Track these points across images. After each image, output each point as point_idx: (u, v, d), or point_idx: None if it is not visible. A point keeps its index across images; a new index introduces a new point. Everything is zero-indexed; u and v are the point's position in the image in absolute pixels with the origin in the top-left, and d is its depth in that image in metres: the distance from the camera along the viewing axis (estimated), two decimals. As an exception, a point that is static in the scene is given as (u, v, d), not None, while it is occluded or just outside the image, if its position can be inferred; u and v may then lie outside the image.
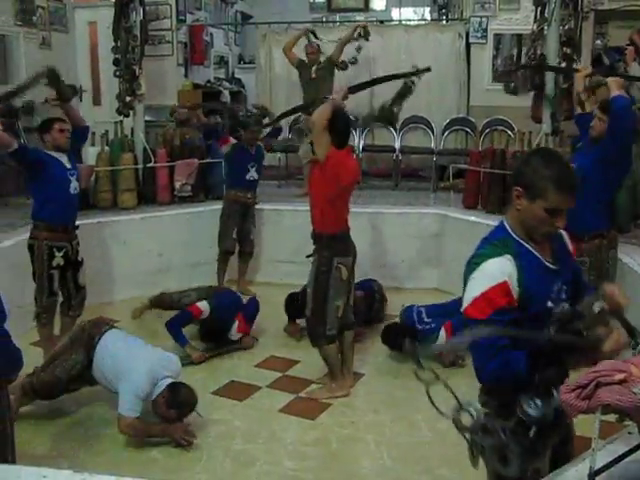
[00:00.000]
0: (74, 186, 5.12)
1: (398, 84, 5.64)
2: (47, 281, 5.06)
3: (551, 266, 2.32)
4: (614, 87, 4.38)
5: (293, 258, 6.32)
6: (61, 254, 5.06)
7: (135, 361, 4.19)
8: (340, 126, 4.67)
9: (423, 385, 2.17)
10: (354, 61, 8.61)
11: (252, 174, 6.70)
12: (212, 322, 5.50)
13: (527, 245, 2.30)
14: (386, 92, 6.18)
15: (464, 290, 2.26)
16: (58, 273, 5.09)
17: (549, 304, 2.28)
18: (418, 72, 5.52)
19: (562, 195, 2.26)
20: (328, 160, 4.56)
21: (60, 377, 4.29)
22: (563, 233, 2.45)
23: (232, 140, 6.74)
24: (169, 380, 4.21)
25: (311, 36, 8.33)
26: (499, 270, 2.21)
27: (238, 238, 6.81)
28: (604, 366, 1.97)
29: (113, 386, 4.21)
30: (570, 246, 2.51)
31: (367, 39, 8.35)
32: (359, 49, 8.45)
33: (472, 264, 2.28)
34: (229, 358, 5.49)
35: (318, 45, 8.17)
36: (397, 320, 5.62)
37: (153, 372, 4.17)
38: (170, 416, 4.19)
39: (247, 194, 6.74)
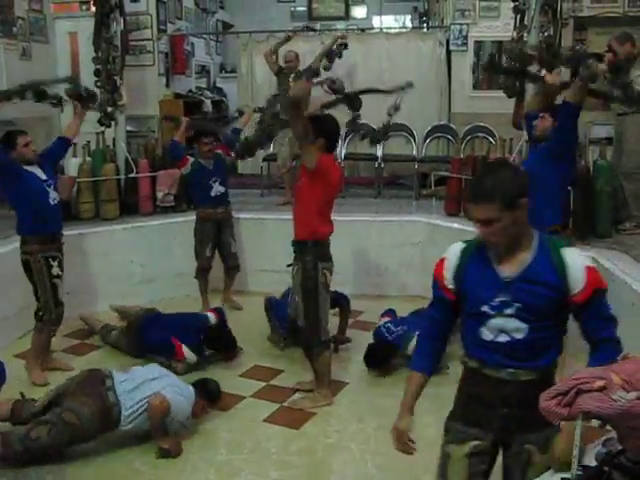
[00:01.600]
0: (53, 197, 5.11)
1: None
2: (51, 291, 5.05)
3: (502, 276, 2.37)
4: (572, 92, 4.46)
5: (276, 267, 6.33)
6: (56, 263, 5.06)
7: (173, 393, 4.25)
8: (329, 130, 4.68)
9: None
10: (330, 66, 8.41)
11: (217, 189, 6.54)
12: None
13: (486, 250, 2.42)
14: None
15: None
16: (60, 281, 5.09)
17: (484, 308, 2.37)
18: (399, 89, 5.54)
19: (468, 206, 2.44)
20: (319, 165, 4.53)
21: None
22: (577, 264, 2.38)
23: (190, 159, 6.59)
24: (192, 388, 4.44)
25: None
26: (450, 250, 2.57)
27: (220, 254, 6.70)
28: (584, 373, 1.98)
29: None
30: (581, 280, 2.35)
31: (346, 47, 8.33)
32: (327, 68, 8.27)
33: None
34: (213, 368, 5.46)
35: (297, 54, 8.17)
36: (371, 341, 5.56)
37: (189, 396, 4.36)
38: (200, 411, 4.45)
39: (217, 209, 6.59)
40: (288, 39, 8.54)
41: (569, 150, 4.71)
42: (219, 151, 6.70)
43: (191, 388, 4.42)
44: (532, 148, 5.14)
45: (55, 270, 5.05)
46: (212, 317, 5.68)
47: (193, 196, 6.94)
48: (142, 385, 4.21)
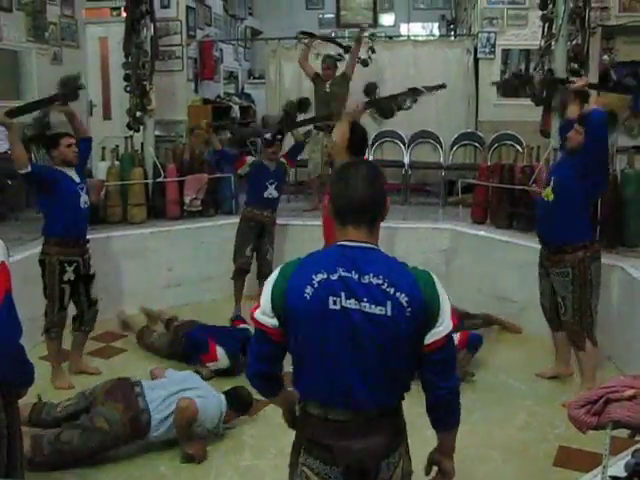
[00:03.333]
0: (84, 200, 5.15)
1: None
2: (58, 296, 5.07)
3: None
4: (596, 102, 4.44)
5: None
6: (72, 268, 5.07)
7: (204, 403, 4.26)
8: (357, 138, 4.71)
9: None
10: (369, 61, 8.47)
11: (271, 192, 6.52)
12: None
13: None
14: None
15: (442, 307, 2.12)
16: (69, 288, 5.11)
17: None
18: (434, 88, 5.57)
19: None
20: None
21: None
22: None
23: (248, 159, 6.64)
24: (222, 396, 4.47)
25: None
26: None
27: (256, 258, 6.61)
28: (613, 382, 1.97)
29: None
30: None
31: (373, 51, 8.35)
32: (373, 51, 8.35)
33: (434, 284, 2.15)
34: (234, 375, 5.47)
35: (335, 62, 8.19)
36: None
37: (220, 405, 4.39)
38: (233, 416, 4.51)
39: (264, 212, 6.56)
40: (312, 39, 8.51)
41: (601, 161, 4.63)
42: (283, 159, 6.73)
43: (222, 397, 4.42)
44: (563, 159, 5.08)
45: (68, 275, 5.06)
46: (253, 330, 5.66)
47: (246, 194, 6.84)
48: (175, 394, 4.23)
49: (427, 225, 7.28)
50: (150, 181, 7.52)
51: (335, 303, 2.05)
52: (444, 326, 2.10)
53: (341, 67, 8.18)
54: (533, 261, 6.17)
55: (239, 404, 4.50)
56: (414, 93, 5.76)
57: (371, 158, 8.82)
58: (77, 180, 5.13)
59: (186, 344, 5.48)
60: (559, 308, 4.89)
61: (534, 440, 4.40)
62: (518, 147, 8.23)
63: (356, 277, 2.06)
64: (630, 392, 1.89)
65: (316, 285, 2.07)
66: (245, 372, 2.36)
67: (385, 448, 2.14)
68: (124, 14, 7.79)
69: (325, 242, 4.89)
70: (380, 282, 2.05)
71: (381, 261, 2.13)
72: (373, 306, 2.04)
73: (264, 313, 2.15)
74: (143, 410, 4.13)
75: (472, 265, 6.80)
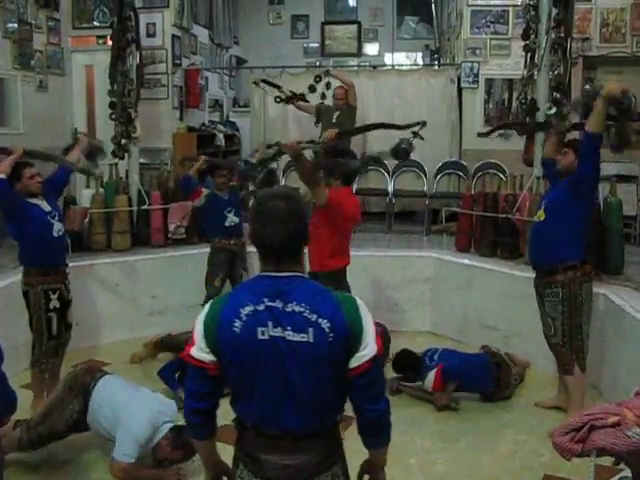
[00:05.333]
0: (57, 228, 5.03)
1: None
2: (46, 325, 5.02)
3: None
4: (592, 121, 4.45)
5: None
6: (56, 296, 5.03)
7: (134, 407, 4.12)
8: (341, 163, 4.75)
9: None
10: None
11: (231, 219, 6.56)
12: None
13: None
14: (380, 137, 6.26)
15: (365, 331, 2.14)
16: (56, 316, 5.06)
17: None
18: (413, 125, 5.58)
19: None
20: (330, 200, 4.66)
21: (59, 428, 4.21)
22: None
23: (204, 191, 6.61)
24: (169, 424, 4.16)
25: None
26: None
27: (232, 285, 6.60)
28: (597, 409, 1.97)
29: (109, 432, 4.13)
30: None
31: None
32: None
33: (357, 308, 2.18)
34: (222, 401, 5.42)
35: (346, 90, 8.26)
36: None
37: (154, 418, 4.12)
38: (176, 457, 4.16)
39: (231, 240, 6.60)
40: (272, 86, 8.73)
41: (591, 184, 4.68)
42: (234, 183, 6.74)
43: (169, 425, 4.19)
44: (553, 184, 5.14)
45: (53, 303, 5.01)
46: None
47: (207, 227, 6.94)
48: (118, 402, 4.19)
49: (411, 253, 7.30)
50: (134, 209, 7.50)
51: (263, 333, 2.10)
52: (368, 349, 2.12)
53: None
54: (517, 289, 6.21)
55: (181, 441, 4.08)
56: (390, 127, 5.77)
57: (355, 186, 8.85)
58: (47, 209, 4.99)
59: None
60: (548, 330, 4.85)
61: (520, 469, 4.39)
62: (502, 176, 8.28)
63: (280, 306, 2.11)
64: (614, 419, 1.89)
65: (244, 318, 2.11)
66: (183, 411, 2.35)
67: (315, 466, 2.18)
68: (110, 42, 7.82)
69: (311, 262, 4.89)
70: (302, 310, 2.09)
71: (304, 288, 2.16)
72: (295, 334, 2.08)
73: (200, 349, 2.18)
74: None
75: (456, 293, 6.82)
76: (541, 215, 4.84)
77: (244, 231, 6.68)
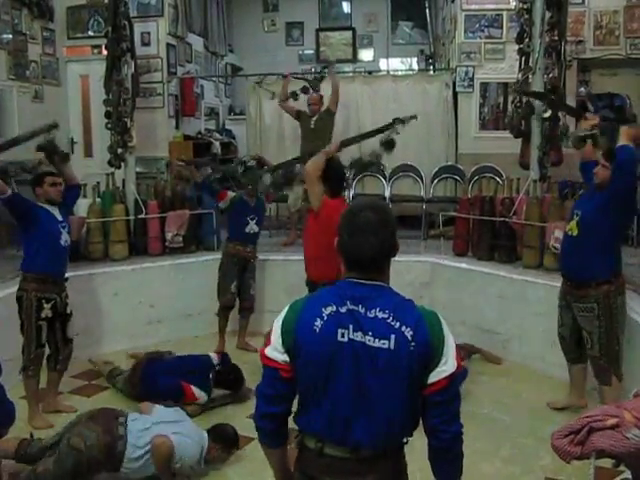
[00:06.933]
0: (65, 238, 5.15)
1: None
2: (35, 333, 5.03)
3: None
4: (624, 137, 4.41)
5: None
6: (49, 306, 5.04)
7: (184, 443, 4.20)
8: (334, 175, 4.75)
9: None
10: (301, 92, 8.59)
11: (252, 227, 6.56)
12: None
13: None
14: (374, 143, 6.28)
15: (446, 346, 2.10)
16: (46, 325, 5.07)
17: None
18: (405, 120, 5.61)
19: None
20: (322, 208, 4.64)
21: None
22: None
23: (230, 193, 6.65)
24: (205, 435, 4.41)
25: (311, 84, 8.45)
26: None
27: (238, 292, 6.61)
28: (596, 411, 1.97)
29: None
30: None
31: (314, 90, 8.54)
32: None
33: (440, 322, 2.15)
34: (222, 409, 5.43)
35: (321, 96, 8.27)
36: None
37: (200, 443, 4.34)
38: (228, 455, 4.49)
39: (246, 247, 6.59)
40: (289, 81, 8.68)
41: (629, 197, 4.57)
42: (261, 194, 6.76)
43: (204, 434, 4.37)
44: (588, 194, 4.94)
45: (45, 312, 5.02)
46: (214, 357, 5.61)
47: (228, 230, 6.85)
48: (154, 426, 4.18)
49: (409, 258, 7.29)
50: (131, 218, 7.50)
51: (343, 336, 2.06)
52: (448, 365, 2.06)
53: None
54: (515, 292, 6.21)
55: (224, 438, 4.44)
56: (387, 128, 5.81)
57: (352, 192, 8.86)
58: (59, 218, 5.15)
59: (155, 393, 5.21)
60: (585, 342, 4.80)
61: (520, 472, 4.39)
62: (498, 179, 8.28)
63: (363, 311, 2.07)
64: (613, 421, 1.88)
65: (325, 317, 2.08)
66: (253, 416, 2.28)
67: None
68: (105, 52, 7.84)
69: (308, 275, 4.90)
70: (385, 316, 2.06)
71: (388, 297, 2.13)
72: (377, 340, 2.04)
73: (275, 349, 2.14)
74: (121, 436, 4.06)
75: (454, 297, 6.82)
76: (573, 228, 4.71)
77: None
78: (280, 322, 2.17)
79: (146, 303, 6.97)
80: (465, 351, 5.81)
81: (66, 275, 5.28)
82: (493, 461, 4.53)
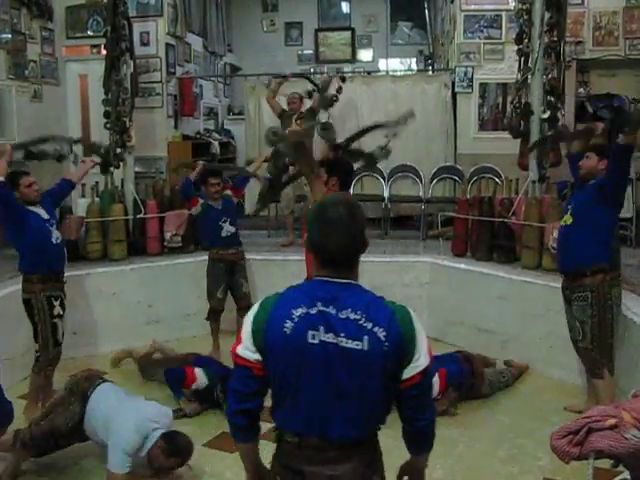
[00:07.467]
0: (55, 236, 5.13)
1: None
2: (51, 332, 5.04)
3: None
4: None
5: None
6: (58, 302, 5.06)
7: (121, 417, 4.08)
8: (343, 168, 4.75)
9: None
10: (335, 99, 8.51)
11: (227, 229, 6.47)
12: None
13: None
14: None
15: (418, 342, 2.15)
16: (61, 322, 5.09)
17: None
18: (402, 119, 5.58)
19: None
20: None
21: (59, 426, 4.14)
22: None
23: (200, 200, 6.54)
24: (160, 431, 4.12)
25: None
26: None
27: (232, 295, 6.57)
28: (595, 412, 1.97)
29: (103, 441, 4.11)
30: None
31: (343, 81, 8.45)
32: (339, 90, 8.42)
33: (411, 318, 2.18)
34: (220, 410, 5.42)
35: (301, 96, 8.25)
36: None
37: (141, 427, 4.07)
38: (170, 464, 4.12)
39: (228, 250, 6.52)
40: (283, 80, 8.64)
41: (617, 189, 4.64)
42: (227, 192, 6.68)
43: (156, 425, 4.15)
44: (578, 187, 5.11)
45: (57, 310, 5.06)
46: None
47: (204, 238, 6.90)
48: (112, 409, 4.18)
49: (408, 258, 7.30)
50: (130, 217, 7.50)
51: (314, 337, 2.08)
52: (421, 361, 2.12)
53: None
54: (514, 293, 6.21)
55: (171, 443, 4.12)
56: (382, 126, 5.78)
57: (351, 192, 8.84)
58: (45, 217, 5.11)
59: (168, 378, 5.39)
60: (577, 335, 4.80)
61: (518, 473, 4.39)
62: (497, 180, 8.28)
63: (334, 312, 2.09)
64: (612, 421, 1.88)
65: (296, 319, 2.09)
66: (226, 412, 2.30)
67: (358, 476, 2.14)
68: (104, 52, 7.83)
69: (307, 275, 4.90)
70: (357, 317, 2.07)
71: (359, 296, 2.14)
72: (350, 341, 2.06)
73: (247, 348, 2.15)
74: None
75: (453, 298, 6.82)
76: (568, 219, 4.80)
77: (241, 240, 6.70)
78: (251, 320, 2.19)
79: (144, 303, 6.97)
80: (481, 363, 5.66)
81: (65, 271, 5.28)
82: (492, 461, 4.53)
